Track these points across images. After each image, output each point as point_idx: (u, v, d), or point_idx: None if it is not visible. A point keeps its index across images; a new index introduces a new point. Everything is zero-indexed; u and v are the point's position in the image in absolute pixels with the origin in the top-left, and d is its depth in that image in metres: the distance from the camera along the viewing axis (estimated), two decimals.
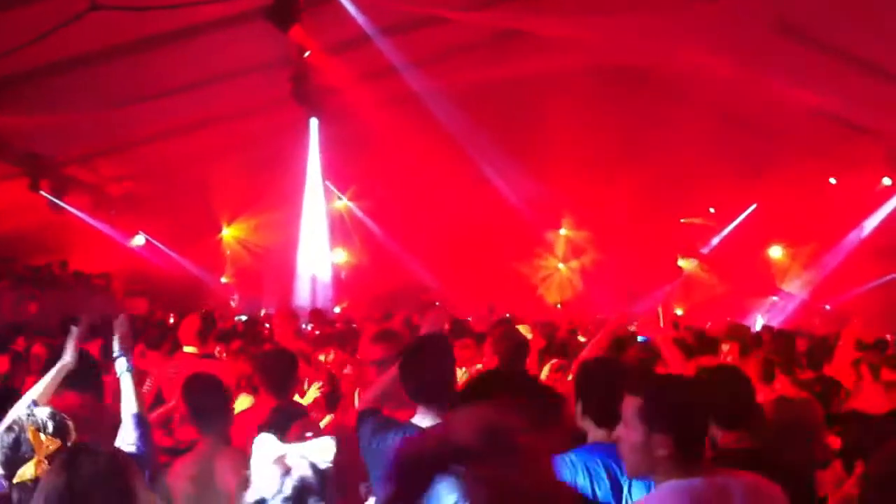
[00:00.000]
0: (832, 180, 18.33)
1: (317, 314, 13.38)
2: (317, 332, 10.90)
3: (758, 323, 18.64)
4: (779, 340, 9.18)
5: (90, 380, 4.42)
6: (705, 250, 22.72)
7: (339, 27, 12.53)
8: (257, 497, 2.60)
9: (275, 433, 2.77)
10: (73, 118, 12.89)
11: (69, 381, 4.04)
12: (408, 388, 3.70)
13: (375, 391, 4.01)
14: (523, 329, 6.38)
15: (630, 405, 2.85)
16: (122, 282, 19.17)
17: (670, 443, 2.74)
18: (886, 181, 17.21)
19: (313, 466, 2.68)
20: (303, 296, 19.62)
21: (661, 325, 6.36)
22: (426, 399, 3.63)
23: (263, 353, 6.11)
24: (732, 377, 4.00)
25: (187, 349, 6.75)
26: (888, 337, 12.08)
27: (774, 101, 15.58)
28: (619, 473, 3.22)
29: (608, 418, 3.31)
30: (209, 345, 7.27)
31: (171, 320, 13.41)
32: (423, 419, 3.59)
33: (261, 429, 3.83)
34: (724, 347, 7.38)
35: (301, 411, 4.98)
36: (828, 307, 19.77)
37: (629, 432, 2.84)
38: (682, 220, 22.82)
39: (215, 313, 13.84)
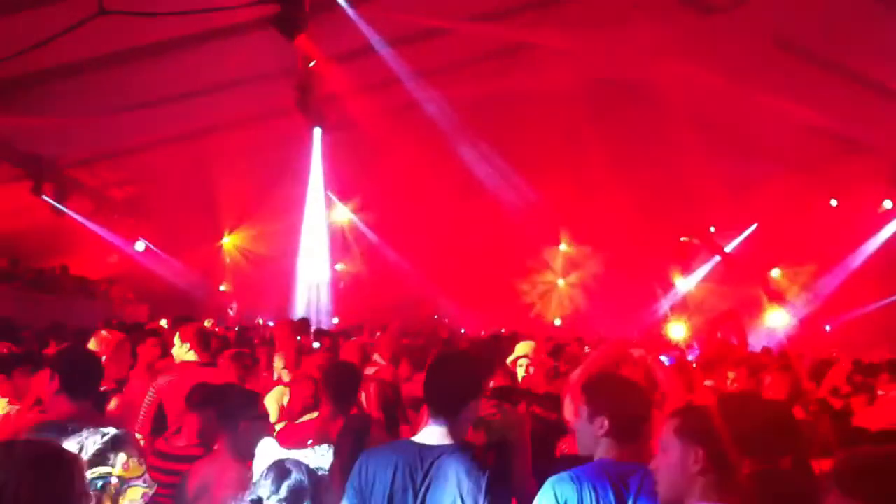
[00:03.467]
0: (833, 202, 18.37)
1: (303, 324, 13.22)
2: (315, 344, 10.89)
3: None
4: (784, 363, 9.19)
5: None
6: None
7: (345, 37, 12.55)
8: (254, 497, 2.69)
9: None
10: (78, 122, 12.91)
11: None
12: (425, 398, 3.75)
13: None
14: (527, 346, 6.30)
15: (668, 426, 2.86)
16: (121, 287, 19.14)
17: (703, 457, 2.74)
18: (887, 204, 17.23)
19: (309, 472, 2.76)
20: (301, 306, 19.58)
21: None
22: (434, 411, 3.61)
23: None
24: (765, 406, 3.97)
25: (188, 357, 6.69)
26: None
27: (775, 119, 15.61)
28: (625, 493, 3.17)
29: (622, 436, 3.31)
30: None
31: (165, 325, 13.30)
32: (427, 436, 3.56)
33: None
34: (731, 374, 7.31)
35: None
36: (828, 328, 19.78)
37: (664, 455, 2.85)
38: (681, 239, 22.81)
39: (213, 323, 13.77)
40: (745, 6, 12.32)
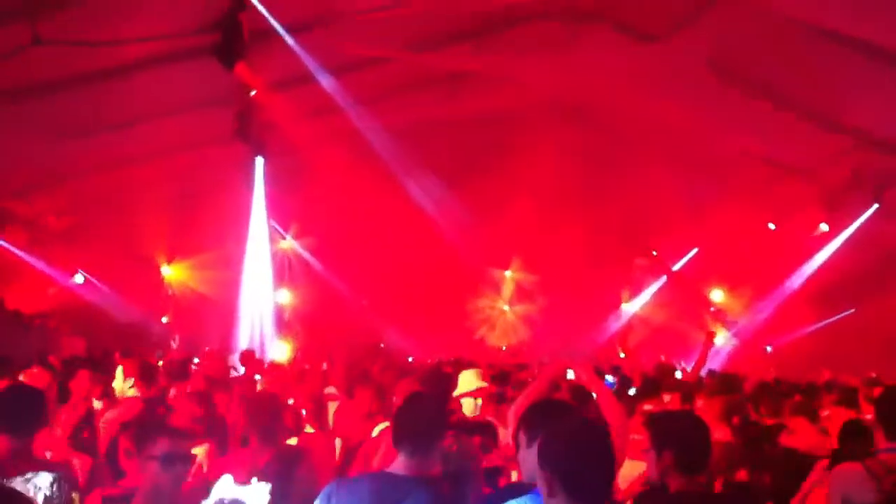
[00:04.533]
0: (771, 225, 18.70)
1: (248, 356, 13.10)
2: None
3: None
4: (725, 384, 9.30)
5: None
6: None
7: (285, 65, 12.52)
8: None
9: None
10: (13, 151, 12.65)
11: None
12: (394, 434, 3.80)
13: None
14: (473, 374, 6.27)
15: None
16: (60, 320, 18.71)
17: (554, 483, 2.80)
18: (824, 227, 17.59)
19: None
20: (244, 336, 19.32)
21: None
22: (405, 447, 3.69)
23: (250, 399, 5.92)
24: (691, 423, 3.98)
25: (130, 392, 6.56)
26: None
27: (715, 145, 15.89)
28: None
29: None
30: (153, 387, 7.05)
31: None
32: (397, 468, 3.65)
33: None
34: (666, 398, 7.46)
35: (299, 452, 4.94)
36: (769, 349, 20.07)
37: None
38: (637, 261, 23.02)
39: (155, 355, 13.57)
40: (682, 35, 12.54)
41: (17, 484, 3.20)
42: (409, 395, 4.15)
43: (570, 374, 7.89)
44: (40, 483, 3.18)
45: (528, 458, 3.40)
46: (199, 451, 5.69)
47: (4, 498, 2.43)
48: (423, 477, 3.58)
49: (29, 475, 3.30)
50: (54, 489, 3.22)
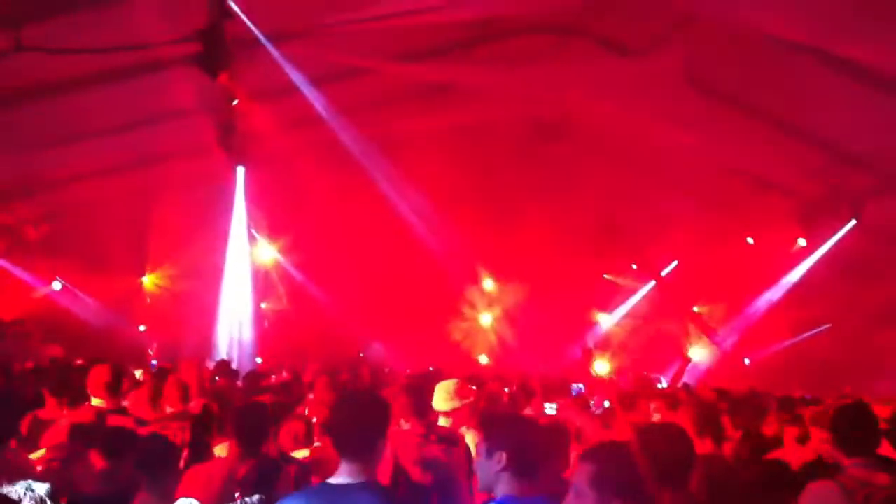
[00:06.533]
0: (750, 240, 18.84)
1: (224, 366, 12.99)
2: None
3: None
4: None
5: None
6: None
7: (268, 76, 12.52)
8: None
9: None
10: None
11: None
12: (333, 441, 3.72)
13: None
14: (451, 385, 6.15)
15: (583, 472, 2.92)
16: (37, 328, 18.54)
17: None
18: (802, 242, 17.73)
19: None
20: (223, 345, 19.24)
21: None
22: (344, 451, 3.60)
23: (238, 407, 5.84)
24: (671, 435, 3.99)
25: (95, 402, 6.40)
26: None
27: (693, 159, 15.99)
28: None
29: (522, 470, 3.35)
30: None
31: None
32: (340, 476, 3.56)
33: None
34: (652, 406, 7.47)
35: (279, 464, 4.88)
36: (747, 361, 20.18)
37: (580, 500, 2.90)
38: (605, 276, 23.13)
39: (130, 365, 13.47)
40: (661, 50, 12.66)
41: (20, 488, 3.21)
42: (337, 402, 4.07)
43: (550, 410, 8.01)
44: (39, 490, 3.19)
45: (486, 466, 3.44)
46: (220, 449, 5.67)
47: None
48: (367, 482, 3.50)
49: (29, 483, 3.31)
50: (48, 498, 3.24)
